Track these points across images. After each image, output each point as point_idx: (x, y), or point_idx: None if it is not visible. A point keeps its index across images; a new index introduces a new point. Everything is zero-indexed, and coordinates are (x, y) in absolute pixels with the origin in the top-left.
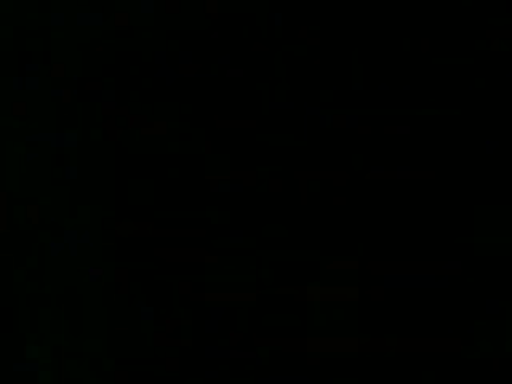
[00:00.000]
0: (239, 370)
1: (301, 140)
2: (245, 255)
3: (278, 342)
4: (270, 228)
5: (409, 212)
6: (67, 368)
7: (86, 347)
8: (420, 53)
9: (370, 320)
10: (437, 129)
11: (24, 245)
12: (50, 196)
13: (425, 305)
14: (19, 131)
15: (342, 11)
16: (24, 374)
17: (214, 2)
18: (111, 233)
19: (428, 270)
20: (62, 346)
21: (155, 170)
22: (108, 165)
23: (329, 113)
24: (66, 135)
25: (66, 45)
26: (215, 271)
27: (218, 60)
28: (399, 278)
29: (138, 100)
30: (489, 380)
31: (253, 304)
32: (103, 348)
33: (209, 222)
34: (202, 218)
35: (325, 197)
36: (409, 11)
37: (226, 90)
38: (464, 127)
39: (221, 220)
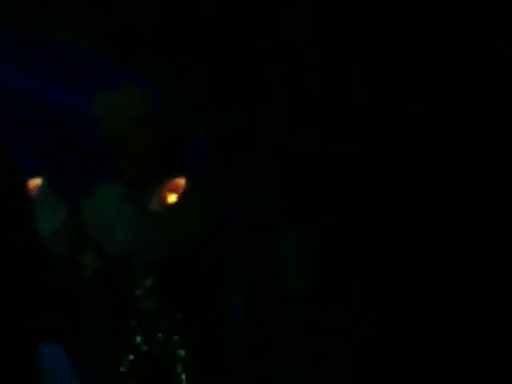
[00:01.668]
0: None
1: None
2: None
3: None
4: None
5: (408, 212)
6: None
7: None
8: (420, 53)
9: (370, 319)
10: (436, 129)
11: None
12: None
13: (424, 305)
14: None
15: (342, 11)
16: None
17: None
18: None
19: (428, 270)
20: None
21: None
22: None
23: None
24: None
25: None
26: None
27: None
28: (399, 278)
29: None
30: (489, 379)
31: None
32: None
33: None
34: None
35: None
36: (409, 11)
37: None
38: (464, 127)
39: None
